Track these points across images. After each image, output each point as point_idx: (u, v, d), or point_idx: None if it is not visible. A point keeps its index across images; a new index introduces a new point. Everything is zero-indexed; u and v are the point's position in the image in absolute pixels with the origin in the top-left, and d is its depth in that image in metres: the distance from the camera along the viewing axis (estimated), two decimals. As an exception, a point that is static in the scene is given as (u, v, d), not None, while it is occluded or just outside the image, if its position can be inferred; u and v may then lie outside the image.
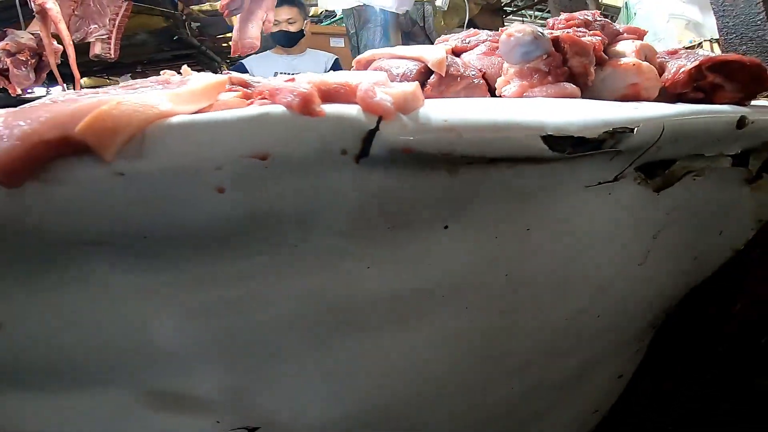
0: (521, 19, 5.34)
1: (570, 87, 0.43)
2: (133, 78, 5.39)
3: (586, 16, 0.59)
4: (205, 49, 3.96)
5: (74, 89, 1.87)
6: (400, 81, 0.41)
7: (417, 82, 0.31)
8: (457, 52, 0.53)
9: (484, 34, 0.55)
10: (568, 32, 0.50)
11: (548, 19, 0.62)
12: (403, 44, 2.38)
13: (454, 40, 0.56)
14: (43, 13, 1.37)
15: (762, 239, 0.76)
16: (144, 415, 0.39)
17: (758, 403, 1.16)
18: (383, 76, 0.31)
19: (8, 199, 0.25)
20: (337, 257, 0.33)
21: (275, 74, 2.11)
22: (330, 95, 0.27)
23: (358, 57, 0.55)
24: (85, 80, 4.33)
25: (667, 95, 0.55)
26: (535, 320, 0.49)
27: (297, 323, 0.35)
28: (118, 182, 0.25)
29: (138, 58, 4.30)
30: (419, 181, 0.31)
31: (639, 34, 0.62)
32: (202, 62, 4.58)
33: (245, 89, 0.39)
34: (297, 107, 0.25)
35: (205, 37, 3.77)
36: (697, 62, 0.57)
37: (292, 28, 2.18)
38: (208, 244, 0.29)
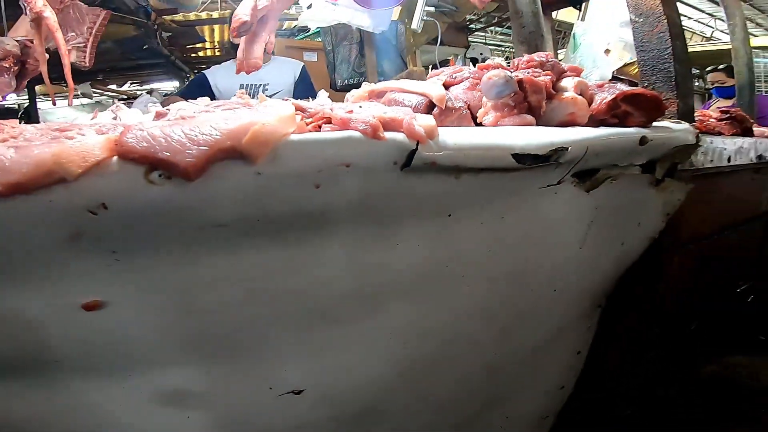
0: (484, 35, 5.72)
1: (529, 117, 0.61)
2: (92, 86, 5.14)
3: (541, 58, 0.78)
4: (174, 59, 3.97)
5: (68, 99, 1.87)
6: (413, 111, 0.57)
7: (431, 116, 0.48)
8: (447, 86, 0.70)
9: (467, 71, 0.73)
10: (528, 73, 0.69)
11: (513, 59, 0.81)
12: (377, 61, 2.53)
13: (444, 75, 0.73)
14: (38, 21, 1.35)
15: (671, 229, 0.98)
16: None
17: (702, 390, 1.36)
18: (410, 111, 0.47)
19: (178, 189, 0.38)
20: (381, 240, 0.48)
21: (241, 86, 2.09)
22: (385, 124, 0.43)
23: (371, 87, 0.71)
24: (38, 87, 4.16)
25: (594, 120, 0.74)
26: (510, 289, 0.67)
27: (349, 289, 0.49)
28: (256, 179, 0.39)
29: (99, 67, 4.20)
30: (436, 183, 0.47)
31: (577, 72, 0.82)
32: (171, 72, 4.55)
33: (303, 113, 0.54)
34: (369, 134, 0.41)
35: (174, 47, 3.79)
36: (614, 95, 0.76)
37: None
38: (300, 228, 0.43)
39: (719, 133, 1.19)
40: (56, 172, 0.36)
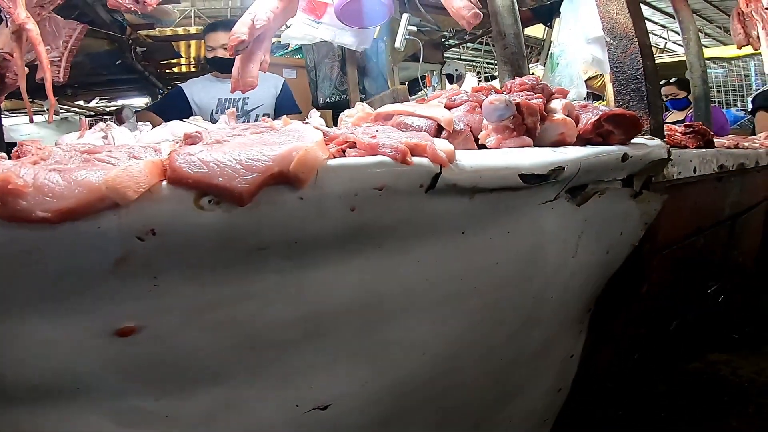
0: (458, 51, 5.93)
1: (527, 139, 0.66)
2: (59, 102, 4.98)
3: (531, 81, 0.84)
4: (148, 74, 3.89)
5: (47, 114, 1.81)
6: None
7: (447, 141, 0.52)
8: (447, 108, 0.75)
9: (464, 94, 0.78)
10: (522, 96, 0.75)
11: (506, 82, 0.87)
12: (359, 78, 2.59)
13: (443, 98, 0.78)
14: (19, 34, 1.32)
15: (650, 236, 1.06)
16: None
17: (688, 387, 1.43)
18: (428, 136, 0.51)
19: (227, 215, 0.39)
20: (404, 257, 0.51)
21: (219, 100, 2.08)
22: (411, 149, 0.46)
23: (378, 110, 0.75)
24: (6, 103, 3.97)
25: (581, 139, 0.81)
26: (515, 297, 0.71)
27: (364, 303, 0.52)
28: (299, 203, 0.41)
29: (68, 81, 4.04)
30: (453, 203, 0.51)
31: (564, 94, 0.89)
32: (143, 87, 4.45)
33: (324, 136, 0.57)
34: (399, 159, 0.44)
35: (149, 62, 3.73)
36: (598, 116, 0.83)
37: (229, 54, 2.13)
38: (334, 248, 0.46)
39: (685, 146, 1.30)
40: (109, 198, 0.37)
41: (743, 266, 1.81)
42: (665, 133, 1.22)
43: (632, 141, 0.87)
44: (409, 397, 0.62)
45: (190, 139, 0.49)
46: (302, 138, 0.47)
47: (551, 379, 0.97)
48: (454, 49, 5.74)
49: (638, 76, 1.14)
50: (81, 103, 5.59)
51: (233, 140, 0.46)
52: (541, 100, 0.77)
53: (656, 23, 6.98)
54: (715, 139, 1.49)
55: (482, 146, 0.69)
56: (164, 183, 0.38)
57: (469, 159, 0.50)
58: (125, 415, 0.49)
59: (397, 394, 0.61)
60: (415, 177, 0.46)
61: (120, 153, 0.47)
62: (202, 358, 0.48)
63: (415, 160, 0.46)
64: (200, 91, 2.14)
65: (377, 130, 0.56)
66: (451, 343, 0.61)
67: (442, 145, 0.49)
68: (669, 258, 1.24)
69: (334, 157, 0.47)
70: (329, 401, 0.55)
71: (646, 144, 0.91)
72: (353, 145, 0.50)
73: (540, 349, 0.87)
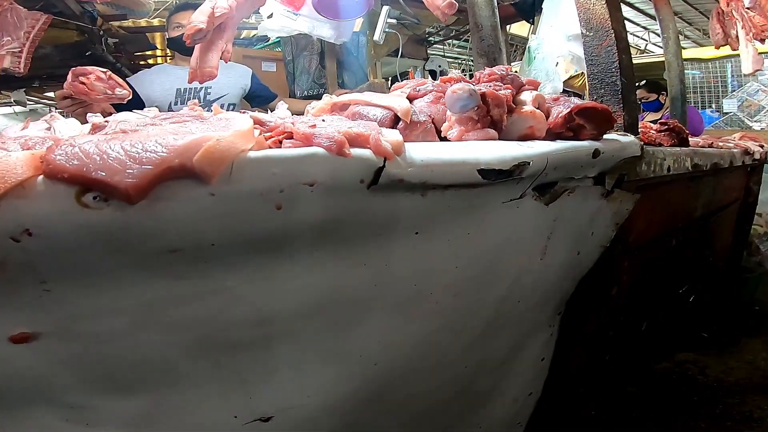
0: (442, 47, 5.89)
1: (492, 132, 0.62)
2: (27, 94, 4.79)
3: (501, 72, 0.79)
4: (120, 66, 3.72)
5: None
6: (378, 125, 0.56)
7: (398, 131, 0.47)
8: (410, 99, 0.70)
9: (430, 84, 0.73)
10: (489, 87, 0.70)
11: (475, 73, 0.82)
12: (338, 72, 2.52)
13: (407, 87, 0.73)
14: None
15: (621, 237, 1.03)
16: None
17: (657, 386, 1.42)
18: (376, 125, 0.46)
19: (118, 213, 0.34)
20: (345, 261, 0.46)
21: (177, 91, 1.89)
22: (351, 140, 0.41)
23: (335, 100, 0.69)
24: (-30, 95, 3.75)
25: (551, 133, 0.77)
26: (476, 302, 0.66)
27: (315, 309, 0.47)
28: (210, 201, 0.36)
29: (36, 73, 3.86)
30: (403, 201, 0.46)
31: (535, 85, 0.84)
32: (115, 80, 4.26)
33: (262, 126, 0.51)
34: (334, 150, 0.39)
35: (121, 54, 3.56)
36: (569, 109, 0.79)
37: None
38: (258, 251, 0.41)
39: (660, 144, 1.28)
40: (-30, 196, 0.31)
41: (714, 266, 1.81)
42: (640, 130, 1.20)
43: (605, 137, 0.84)
44: (364, 408, 0.57)
45: (97, 129, 0.43)
46: (228, 127, 0.41)
47: (522, 383, 0.93)
48: (438, 46, 5.69)
49: (613, 70, 1.10)
50: (51, 94, 5.36)
51: (145, 130, 0.40)
52: (509, 91, 0.72)
53: (638, 24, 7.07)
54: (690, 138, 1.48)
55: (444, 139, 0.64)
56: (40, 178, 0.32)
57: (419, 152, 0.45)
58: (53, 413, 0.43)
59: (351, 406, 0.56)
60: (353, 171, 0.40)
61: (14, 144, 0.41)
62: (119, 365, 0.43)
63: (356, 152, 0.40)
64: (152, 83, 1.91)
65: (322, 120, 0.50)
66: (405, 353, 0.56)
67: (389, 136, 0.43)
68: (641, 259, 1.22)
69: (270, 149, 0.41)
70: (272, 412, 0.50)
71: (618, 140, 0.87)
72: (290, 135, 0.45)
73: (507, 354, 0.83)
